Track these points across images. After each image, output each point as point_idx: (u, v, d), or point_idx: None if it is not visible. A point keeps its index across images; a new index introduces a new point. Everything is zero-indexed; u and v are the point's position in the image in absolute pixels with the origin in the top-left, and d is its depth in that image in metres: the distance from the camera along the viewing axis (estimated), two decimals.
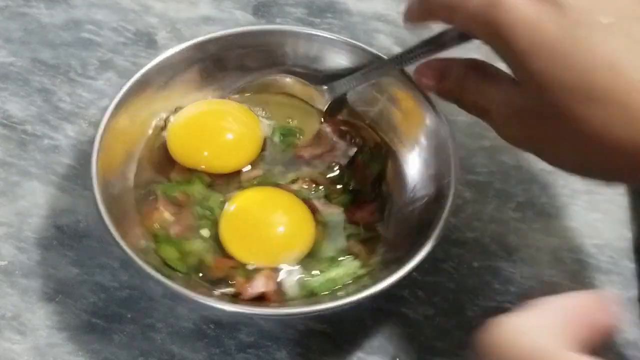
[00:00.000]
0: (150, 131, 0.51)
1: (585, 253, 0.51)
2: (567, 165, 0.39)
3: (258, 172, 0.50)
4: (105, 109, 0.47)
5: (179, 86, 0.51)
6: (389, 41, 0.60)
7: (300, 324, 0.47)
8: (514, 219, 0.52)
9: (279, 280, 0.46)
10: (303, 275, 0.46)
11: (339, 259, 0.47)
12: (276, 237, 0.47)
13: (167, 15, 0.61)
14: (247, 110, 0.52)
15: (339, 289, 0.45)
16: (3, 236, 0.50)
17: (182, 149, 0.50)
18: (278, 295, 0.45)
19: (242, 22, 0.61)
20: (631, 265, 0.50)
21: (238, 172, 0.50)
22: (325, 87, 0.51)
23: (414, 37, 0.60)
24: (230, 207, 0.48)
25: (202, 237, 0.47)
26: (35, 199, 0.51)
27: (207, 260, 0.46)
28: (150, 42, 0.59)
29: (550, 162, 0.40)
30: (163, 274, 0.42)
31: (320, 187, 0.50)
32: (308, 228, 0.47)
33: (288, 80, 0.52)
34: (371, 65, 0.50)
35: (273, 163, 0.51)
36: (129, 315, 0.47)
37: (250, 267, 0.46)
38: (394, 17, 0.61)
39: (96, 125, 0.55)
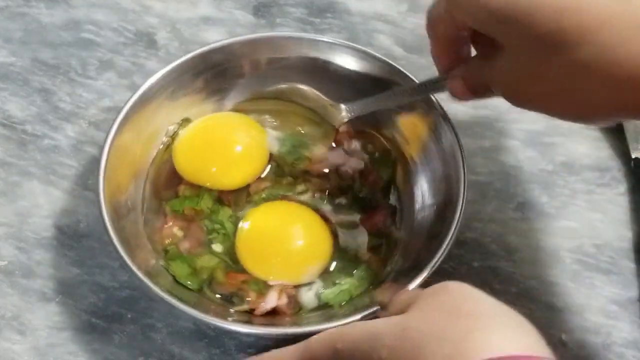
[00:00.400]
0: (156, 146, 0.50)
1: (585, 253, 0.51)
2: (573, 109, 0.38)
3: (266, 183, 0.50)
4: (110, 123, 0.47)
5: (186, 98, 0.51)
6: (389, 41, 0.60)
7: None
8: (514, 219, 0.52)
9: (294, 293, 0.46)
10: (320, 288, 0.46)
11: (353, 270, 0.47)
12: (297, 254, 0.47)
13: (167, 15, 0.61)
14: (254, 123, 0.51)
15: (354, 299, 0.45)
16: (3, 236, 0.50)
17: (188, 167, 0.50)
18: (291, 309, 0.45)
19: (242, 22, 0.61)
20: (631, 265, 0.50)
21: (246, 185, 0.50)
22: (344, 106, 0.49)
23: (414, 37, 0.60)
24: (247, 223, 0.47)
25: (213, 252, 0.47)
26: (35, 199, 0.51)
27: (218, 276, 0.46)
28: (150, 42, 0.59)
29: (559, 111, 0.39)
30: (176, 297, 0.42)
31: (331, 196, 0.49)
32: (326, 242, 0.47)
33: (304, 89, 0.51)
34: (395, 90, 0.49)
35: (281, 174, 0.50)
36: (129, 315, 0.47)
37: (271, 283, 0.46)
38: (394, 17, 0.61)
39: (96, 125, 0.55)
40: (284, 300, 0.45)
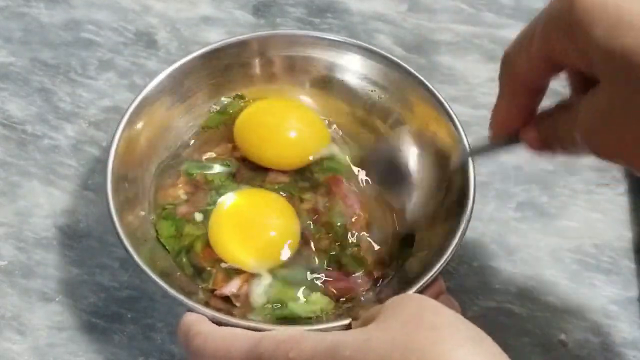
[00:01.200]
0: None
1: (585, 253, 0.51)
2: None
3: (285, 179, 0.49)
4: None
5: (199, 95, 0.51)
6: (389, 41, 0.60)
7: None
8: (514, 219, 0.52)
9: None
10: (270, 284, 0.45)
11: (311, 293, 0.45)
12: (251, 242, 0.47)
13: (167, 15, 0.61)
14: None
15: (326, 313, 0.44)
16: (3, 236, 0.50)
17: (250, 145, 0.50)
18: (244, 302, 0.45)
19: (242, 22, 0.61)
20: (631, 265, 0.50)
21: (266, 170, 0.50)
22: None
23: (414, 37, 0.60)
24: (224, 202, 0.47)
25: (197, 222, 0.47)
26: (35, 199, 0.51)
27: (197, 246, 0.46)
28: (150, 42, 0.59)
29: None
30: (160, 275, 0.42)
31: (321, 230, 0.48)
32: (288, 237, 0.47)
33: None
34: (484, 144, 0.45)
35: (302, 177, 0.50)
36: (129, 315, 0.47)
37: (223, 265, 0.45)
38: (394, 17, 0.61)
39: (96, 125, 0.55)
40: (243, 290, 0.45)
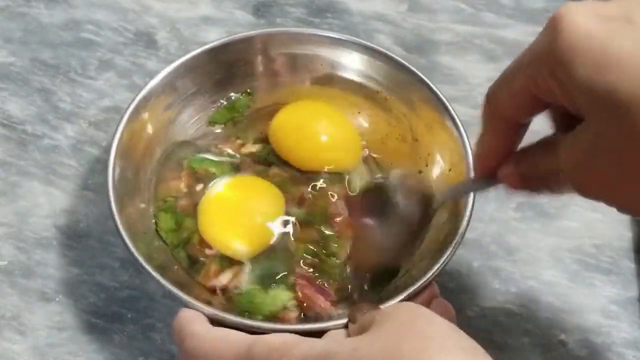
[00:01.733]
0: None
1: (585, 253, 0.51)
2: None
3: (284, 173, 0.50)
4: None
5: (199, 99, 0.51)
6: (389, 41, 0.60)
7: None
8: (514, 219, 0.52)
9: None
10: (248, 276, 0.45)
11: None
12: (234, 226, 0.47)
13: (167, 15, 0.61)
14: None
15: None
16: (3, 236, 0.50)
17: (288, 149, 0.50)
18: (227, 295, 0.45)
19: (242, 22, 0.61)
20: (631, 265, 0.50)
21: (269, 165, 0.50)
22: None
23: (414, 37, 0.60)
24: (213, 188, 0.48)
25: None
26: (35, 199, 0.51)
27: (194, 239, 0.46)
28: (150, 42, 0.59)
29: (631, 206, 0.34)
30: (159, 271, 0.42)
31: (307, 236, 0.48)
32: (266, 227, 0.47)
33: None
34: (467, 182, 0.46)
35: (299, 182, 0.49)
36: (129, 315, 0.47)
37: (208, 252, 0.46)
38: (394, 17, 0.61)
39: (96, 125, 0.55)
40: (232, 284, 0.45)
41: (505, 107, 0.36)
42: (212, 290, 0.45)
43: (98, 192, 0.52)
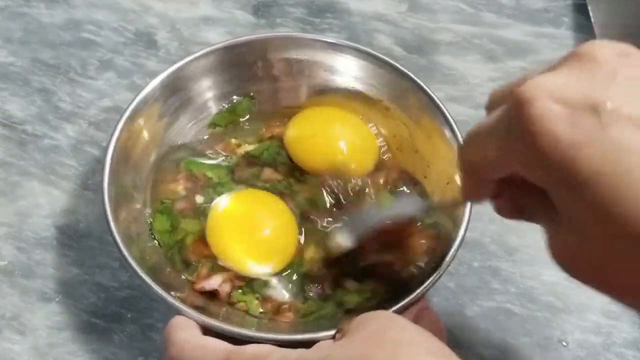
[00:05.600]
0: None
1: None
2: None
3: (279, 176, 0.50)
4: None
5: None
6: (389, 41, 0.60)
7: None
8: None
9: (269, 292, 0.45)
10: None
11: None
12: (255, 244, 0.47)
13: (167, 15, 0.61)
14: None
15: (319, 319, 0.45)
16: (3, 236, 0.50)
17: (305, 156, 0.50)
18: (225, 299, 0.45)
19: (242, 22, 0.61)
20: None
21: (262, 168, 0.50)
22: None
23: (414, 37, 0.60)
24: (220, 204, 0.48)
25: (193, 218, 0.48)
26: (35, 199, 0.51)
27: (187, 241, 0.47)
28: (150, 42, 0.59)
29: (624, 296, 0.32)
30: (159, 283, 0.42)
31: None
32: (287, 244, 0.47)
33: None
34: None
35: (300, 183, 0.50)
36: (129, 315, 0.47)
37: (220, 263, 0.46)
38: (394, 17, 0.61)
39: (96, 125, 0.55)
40: (225, 289, 0.45)
41: (482, 171, 0.35)
42: (203, 294, 0.45)
43: (98, 192, 0.51)
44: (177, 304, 0.41)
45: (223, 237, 0.46)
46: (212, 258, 0.46)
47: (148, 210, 0.47)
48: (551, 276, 0.50)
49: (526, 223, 0.51)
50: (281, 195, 0.49)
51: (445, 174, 0.47)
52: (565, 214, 0.31)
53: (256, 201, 0.49)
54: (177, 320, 0.40)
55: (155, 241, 0.46)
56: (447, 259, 0.43)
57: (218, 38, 0.60)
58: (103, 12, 0.61)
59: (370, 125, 0.52)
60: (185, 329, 0.39)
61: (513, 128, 0.30)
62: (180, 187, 0.49)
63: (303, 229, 0.48)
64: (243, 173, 0.50)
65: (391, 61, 0.50)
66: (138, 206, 0.47)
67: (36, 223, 0.51)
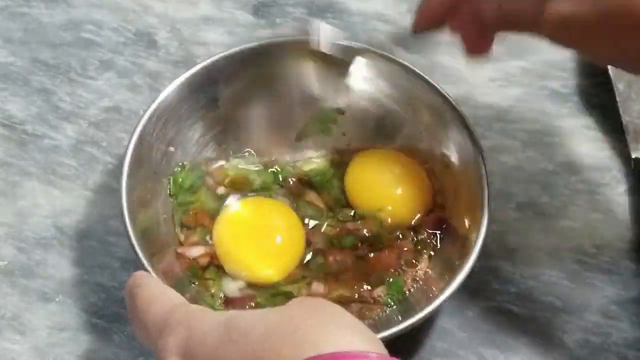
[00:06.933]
0: None
1: (585, 253, 0.51)
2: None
3: (320, 204, 0.50)
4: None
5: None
6: (389, 41, 0.60)
7: None
8: (514, 219, 0.52)
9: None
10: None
11: None
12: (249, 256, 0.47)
13: (167, 15, 0.61)
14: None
15: None
16: (3, 236, 0.50)
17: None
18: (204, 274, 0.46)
19: (242, 22, 0.61)
20: (631, 265, 0.50)
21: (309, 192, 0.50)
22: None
23: (415, 37, 0.60)
24: (230, 211, 0.48)
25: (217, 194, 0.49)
26: (35, 199, 0.51)
27: (194, 207, 0.48)
28: (150, 42, 0.59)
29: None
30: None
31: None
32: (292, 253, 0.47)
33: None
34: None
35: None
36: (129, 316, 0.47)
37: (210, 242, 0.47)
38: (394, 17, 0.61)
39: (96, 125, 0.55)
40: (202, 261, 0.46)
41: None
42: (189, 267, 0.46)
43: (98, 192, 0.52)
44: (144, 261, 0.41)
45: (228, 239, 0.47)
46: (206, 230, 0.47)
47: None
48: (551, 276, 0.50)
49: (526, 223, 0.52)
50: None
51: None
52: None
53: (265, 208, 0.49)
54: (138, 273, 0.40)
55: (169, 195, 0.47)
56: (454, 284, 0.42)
57: (218, 38, 0.60)
58: (103, 12, 0.61)
59: None
60: (148, 281, 0.39)
61: None
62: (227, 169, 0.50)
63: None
64: (289, 188, 0.50)
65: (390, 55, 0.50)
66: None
67: (36, 223, 0.51)
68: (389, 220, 0.48)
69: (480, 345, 0.47)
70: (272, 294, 0.45)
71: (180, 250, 0.46)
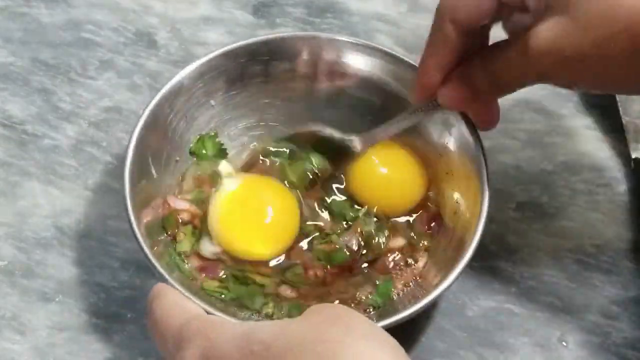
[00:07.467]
0: None
1: (585, 253, 0.51)
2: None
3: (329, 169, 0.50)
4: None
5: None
6: (389, 41, 0.60)
7: None
8: (514, 219, 0.52)
9: None
10: None
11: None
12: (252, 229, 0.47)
13: (167, 15, 0.61)
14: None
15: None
16: (3, 236, 0.50)
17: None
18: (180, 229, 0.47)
19: (242, 22, 0.61)
20: (631, 265, 0.50)
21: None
22: (355, 137, 0.49)
23: (414, 37, 0.60)
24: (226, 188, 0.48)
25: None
26: (35, 199, 0.51)
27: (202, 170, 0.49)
28: (150, 42, 0.59)
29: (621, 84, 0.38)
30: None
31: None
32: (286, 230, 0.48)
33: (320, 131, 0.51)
34: (406, 112, 0.47)
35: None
36: (129, 315, 0.47)
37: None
38: (394, 17, 0.61)
39: (96, 125, 0.55)
40: (185, 216, 0.47)
41: (462, 9, 0.39)
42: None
43: (98, 192, 0.52)
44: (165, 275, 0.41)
45: (225, 211, 0.47)
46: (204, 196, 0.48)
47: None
48: (551, 276, 0.50)
49: (526, 223, 0.52)
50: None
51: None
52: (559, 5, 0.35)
53: (262, 186, 0.49)
54: (158, 285, 0.40)
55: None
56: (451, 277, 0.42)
57: (218, 38, 0.60)
58: (103, 12, 0.61)
59: None
60: (167, 293, 0.39)
61: None
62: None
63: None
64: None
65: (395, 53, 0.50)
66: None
67: (36, 223, 0.51)
68: (388, 209, 0.49)
69: (480, 345, 0.47)
70: (242, 282, 0.46)
71: (168, 198, 0.47)
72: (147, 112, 0.46)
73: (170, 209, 0.47)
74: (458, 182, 0.47)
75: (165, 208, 0.47)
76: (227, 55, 0.49)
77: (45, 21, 0.60)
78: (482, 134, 0.55)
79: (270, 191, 0.49)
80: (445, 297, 0.48)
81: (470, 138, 0.46)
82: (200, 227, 0.47)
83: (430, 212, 0.49)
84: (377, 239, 0.48)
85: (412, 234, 0.48)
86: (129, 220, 0.42)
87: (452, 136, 0.48)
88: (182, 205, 0.47)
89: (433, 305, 0.48)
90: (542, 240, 0.51)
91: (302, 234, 0.48)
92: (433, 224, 0.48)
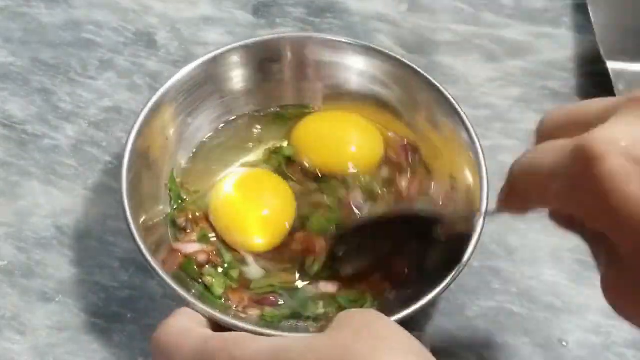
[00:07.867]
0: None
1: (585, 253, 0.50)
2: None
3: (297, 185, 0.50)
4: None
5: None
6: (389, 41, 0.60)
7: None
8: (514, 219, 0.52)
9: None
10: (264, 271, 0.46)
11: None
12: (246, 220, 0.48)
13: (167, 15, 0.61)
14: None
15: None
16: (3, 236, 0.50)
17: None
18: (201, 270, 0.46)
19: (242, 22, 0.61)
20: None
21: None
22: None
23: (414, 37, 0.60)
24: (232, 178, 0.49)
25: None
26: (35, 199, 0.51)
27: (197, 205, 0.48)
28: (150, 42, 0.59)
29: None
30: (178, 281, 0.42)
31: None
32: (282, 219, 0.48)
33: None
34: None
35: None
36: (129, 315, 0.47)
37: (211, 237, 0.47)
38: (394, 17, 0.61)
39: (96, 125, 0.55)
40: (201, 258, 0.46)
41: (534, 199, 0.37)
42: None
43: (98, 192, 0.52)
44: (187, 296, 0.41)
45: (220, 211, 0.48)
46: (205, 230, 0.47)
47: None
48: (551, 276, 0.50)
49: (526, 223, 0.52)
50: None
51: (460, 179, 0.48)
52: (630, 259, 0.32)
53: (261, 179, 0.50)
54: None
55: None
56: (451, 276, 0.42)
57: (218, 38, 0.60)
58: (103, 12, 0.61)
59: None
60: (176, 317, 0.39)
61: (580, 181, 0.31)
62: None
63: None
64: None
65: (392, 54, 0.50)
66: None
67: (36, 223, 0.51)
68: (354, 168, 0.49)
69: (480, 345, 0.47)
70: (290, 295, 0.46)
71: (175, 246, 0.46)
72: (145, 111, 0.46)
73: (183, 257, 0.46)
74: (458, 181, 0.48)
75: (178, 257, 0.46)
76: (227, 55, 0.49)
77: (45, 21, 0.60)
78: (482, 134, 0.55)
79: (265, 183, 0.50)
80: (445, 297, 0.48)
81: (468, 138, 0.46)
82: (223, 259, 0.47)
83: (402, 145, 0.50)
84: (376, 190, 0.49)
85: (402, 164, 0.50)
86: (126, 220, 0.42)
87: (452, 144, 0.48)
88: (193, 248, 0.46)
89: (433, 305, 0.48)
90: (542, 240, 0.51)
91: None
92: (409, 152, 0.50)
